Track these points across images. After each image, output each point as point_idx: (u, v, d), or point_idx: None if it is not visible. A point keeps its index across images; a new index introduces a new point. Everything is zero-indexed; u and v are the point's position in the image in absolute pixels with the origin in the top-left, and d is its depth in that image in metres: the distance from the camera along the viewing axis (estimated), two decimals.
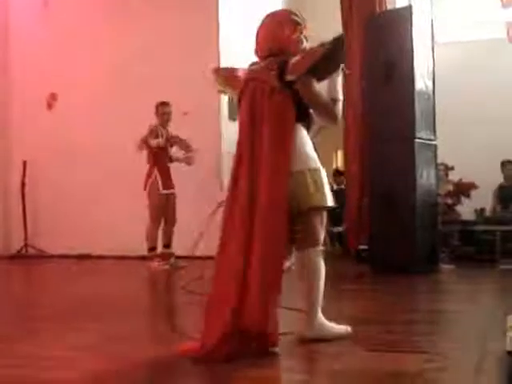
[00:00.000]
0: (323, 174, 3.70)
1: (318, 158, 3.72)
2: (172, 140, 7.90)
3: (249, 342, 3.44)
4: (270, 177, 3.51)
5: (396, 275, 6.41)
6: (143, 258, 7.92)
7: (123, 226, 8.78)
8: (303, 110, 3.67)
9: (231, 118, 9.11)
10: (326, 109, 3.68)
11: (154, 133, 7.73)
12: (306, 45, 3.79)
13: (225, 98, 8.90)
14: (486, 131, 10.03)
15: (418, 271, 6.59)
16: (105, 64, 9.29)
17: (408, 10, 7.26)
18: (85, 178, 9.26)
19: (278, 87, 3.61)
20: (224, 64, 8.80)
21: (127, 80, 9.03)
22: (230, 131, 9.05)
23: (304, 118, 3.69)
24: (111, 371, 3.30)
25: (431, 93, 7.21)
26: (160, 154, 7.76)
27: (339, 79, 3.77)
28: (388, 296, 5.51)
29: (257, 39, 3.89)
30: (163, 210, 7.75)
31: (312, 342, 3.69)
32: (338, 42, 3.67)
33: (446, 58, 8.76)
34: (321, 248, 3.71)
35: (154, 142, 7.65)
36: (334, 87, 3.74)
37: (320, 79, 3.67)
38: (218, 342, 3.33)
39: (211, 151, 8.68)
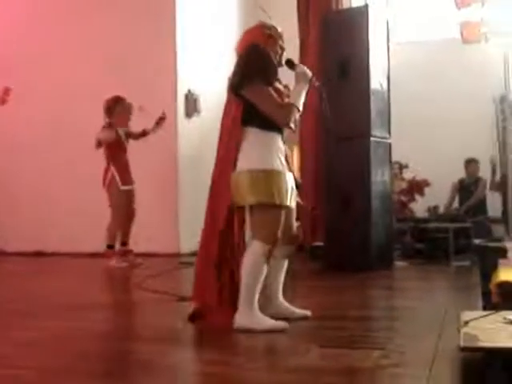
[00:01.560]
0: (276, 174, 3.94)
1: (274, 160, 3.97)
2: (136, 135, 7.82)
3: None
4: (218, 174, 4.09)
5: (351, 272, 6.45)
6: (98, 255, 7.84)
7: (76, 223, 8.68)
8: (255, 114, 3.96)
9: (187, 115, 9.08)
10: (274, 113, 3.95)
11: (106, 130, 7.64)
12: (281, 54, 4.19)
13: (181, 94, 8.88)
14: (440, 130, 10.18)
15: (372, 268, 6.65)
16: (55, 58, 9.14)
17: (364, 8, 7.32)
18: (34, 174, 9.11)
19: (233, 96, 4.07)
20: (179, 62, 8.81)
21: (79, 76, 8.89)
22: (186, 128, 9.05)
23: (256, 122, 3.97)
24: (63, 367, 3.27)
25: (386, 91, 7.28)
26: (117, 149, 7.65)
27: (305, 88, 4.10)
28: (343, 293, 5.54)
29: (236, 54, 4.26)
30: (124, 207, 7.67)
31: (262, 337, 3.74)
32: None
33: (401, 58, 8.85)
34: (266, 245, 3.90)
35: (102, 135, 7.53)
36: (295, 94, 4.06)
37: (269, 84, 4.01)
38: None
39: (167, 149, 8.63)
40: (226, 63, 10.26)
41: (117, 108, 7.63)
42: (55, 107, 9.03)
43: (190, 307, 4.30)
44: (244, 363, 3.39)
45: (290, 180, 4.06)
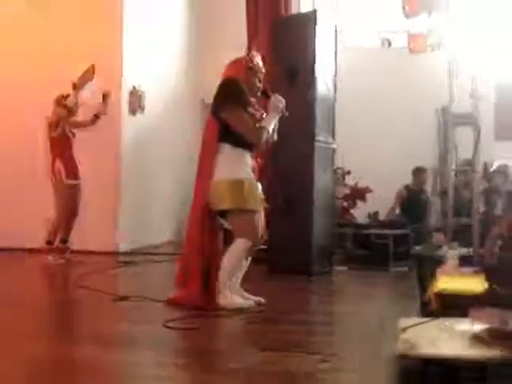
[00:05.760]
0: (246, 183, 4.71)
1: (245, 171, 4.76)
2: (87, 122, 7.71)
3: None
4: (197, 185, 4.88)
5: (292, 276, 6.45)
6: (34, 250, 7.68)
7: (11, 216, 8.47)
8: (230, 132, 4.73)
9: (131, 111, 8.99)
10: (247, 132, 4.75)
11: (54, 124, 7.51)
12: (259, 86, 4.93)
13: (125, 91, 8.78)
14: (384, 138, 10.30)
15: (312, 272, 6.67)
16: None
17: (312, 14, 7.33)
18: None
19: (211, 117, 4.85)
20: (125, 59, 8.70)
21: (20, 71, 8.68)
22: (130, 125, 8.96)
23: (230, 140, 4.73)
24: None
25: (332, 96, 7.32)
26: (62, 143, 7.51)
27: (276, 117, 4.91)
28: (283, 296, 5.54)
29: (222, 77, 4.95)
30: (70, 202, 7.52)
31: (206, 339, 3.69)
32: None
33: (349, 64, 8.90)
34: (249, 243, 4.70)
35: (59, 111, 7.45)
36: (267, 119, 4.85)
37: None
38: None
39: (110, 146, 8.52)
40: (171, 60, 10.32)
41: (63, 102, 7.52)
42: None
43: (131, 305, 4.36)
44: (183, 365, 3.36)
45: (259, 188, 4.86)
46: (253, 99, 4.95)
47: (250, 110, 4.86)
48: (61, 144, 7.49)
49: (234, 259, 4.72)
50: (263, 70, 5.00)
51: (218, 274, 4.72)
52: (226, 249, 4.83)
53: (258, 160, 5.10)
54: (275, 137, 5.03)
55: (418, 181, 9.77)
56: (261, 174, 5.07)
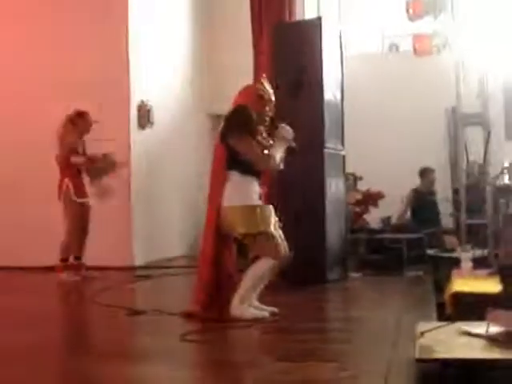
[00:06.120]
0: (258, 208, 4.85)
1: (253, 198, 4.88)
2: (93, 158, 7.67)
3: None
4: (209, 209, 4.98)
5: (306, 284, 6.43)
6: (48, 268, 7.69)
7: (24, 237, 8.48)
8: (238, 160, 4.83)
9: (140, 126, 9.00)
10: (255, 159, 4.85)
11: (74, 151, 7.52)
12: (268, 114, 5.04)
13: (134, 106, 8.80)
14: (394, 142, 10.27)
15: (327, 280, 6.65)
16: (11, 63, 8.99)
17: (317, 21, 7.34)
18: None
19: (220, 144, 4.94)
20: (132, 73, 8.73)
21: (28, 87, 8.72)
22: (139, 140, 8.97)
23: (238, 168, 4.84)
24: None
25: (340, 103, 7.30)
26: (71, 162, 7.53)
27: (283, 146, 5.02)
28: (298, 305, 5.52)
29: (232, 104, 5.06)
30: (79, 220, 7.54)
31: (222, 351, 3.67)
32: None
33: (355, 70, 8.90)
34: (274, 261, 4.77)
35: (76, 160, 7.43)
36: (274, 148, 4.94)
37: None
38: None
39: (119, 160, 8.51)
40: (179, 75, 10.35)
41: (79, 122, 7.53)
42: (3, 123, 8.84)
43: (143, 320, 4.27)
44: (201, 377, 3.36)
45: (271, 211, 4.95)
46: (261, 127, 5.02)
47: (258, 138, 4.95)
48: (70, 162, 7.49)
49: (257, 277, 4.80)
50: (273, 98, 5.08)
51: (238, 287, 4.79)
52: (242, 261, 5.00)
53: (264, 187, 5.14)
54: (281, 166, 5.09)
55: (427, 182, 9.67)
56: (267, 201, 5.06)
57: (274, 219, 4.97)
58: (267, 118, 5.06)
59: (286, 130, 5.07)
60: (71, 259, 7.60)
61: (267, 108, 5.03)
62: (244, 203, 4.84)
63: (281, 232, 5.00)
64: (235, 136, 4.83)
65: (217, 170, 4.99)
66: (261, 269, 4.80)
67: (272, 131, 5.07)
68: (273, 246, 4.81)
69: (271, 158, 4.90)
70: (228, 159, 4.89)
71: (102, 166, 7.54)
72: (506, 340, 3.21)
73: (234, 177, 4.88)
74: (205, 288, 4.87)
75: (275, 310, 4.92)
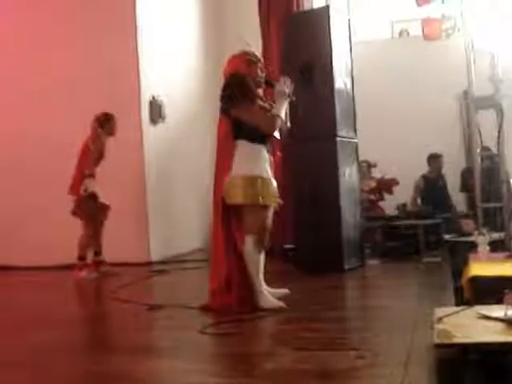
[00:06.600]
0: (260, 180, 4.76)
1: (261, 168, 4.81)
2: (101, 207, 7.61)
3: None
4: (215, 178, 4.93)
5: (323, 273, 6.43)
6: (67, 267, 7.72)
7: (43, 236, 8.52)
8: (243, 128, 4.77)
9: (152, 121, 9.01)
10: (261, 124, 4.78)
11: (102, 155, 7.51)
12: (262, 75, 4.98)
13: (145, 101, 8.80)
14: (406, 129, 10.23)
15: (344, 268, 6.65)
16: (17, 70, 9.02)
17: (325, 9, 7.32)
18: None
19: (223, 116, 4.88)
20: (142, 68, 8.73)
21: (42, 86, 8.75)
22: (152, 135, 8.98)
23: (245, 136, 4.78)
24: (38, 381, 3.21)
25: (350, 91, 7.29)
26: (98, 160, 7.54)
27: (284, 103, 4.91)
28: (315, 294, 5.51)
29: (223, 78, 5.00)
30: (96, 216, 7.56)
31: (240, 343, 3.74)
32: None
33: (364, 57, 8.86)
34: (255, 236, 4.73)
35: (87, 187, 7.40)
36: (276, 108, 4.84)
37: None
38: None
39: (133, 156, 8.55)
40: (190, 69, 10.34)
41: (106, 125, 7.51)
42: (19, 119, 8.88)
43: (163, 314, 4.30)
44: (221, 371, 3.37)
45: (273, 185, 4.89)
46: (259, 90, 4.99)
47: (259, 101, 4.90)
48: (97, 160, 7.49)
49: (249, 257, 4.77)
50: (262, 59, 5.07)
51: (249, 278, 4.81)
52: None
53: (278, 153, 5.12)
54: (288, 124, 5.07)
55: (435, 167, 9.75)
56: (280, 167, 5.05)
57: (275, 194, 4.91)
58: (262, 81, 5.00)
59: (284, 85, 4.94)
60: (91, 256, 7.63)
61: (259, 71, 4.97)
62: (250, 173, 4.76)
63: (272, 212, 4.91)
64: (237, 105, 4.76)
65: (222, 141, 4.91)
66: (250, 249, 4.75)
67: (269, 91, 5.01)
68: (262, 223, 4.78)
69: (277, 119, 4.82)
70: (233, 130, 4.82)
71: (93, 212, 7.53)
72: None
73: (242, 146, 4.81)
74: (218, 273, 4.85)
75: (287, 291, 5.06)
